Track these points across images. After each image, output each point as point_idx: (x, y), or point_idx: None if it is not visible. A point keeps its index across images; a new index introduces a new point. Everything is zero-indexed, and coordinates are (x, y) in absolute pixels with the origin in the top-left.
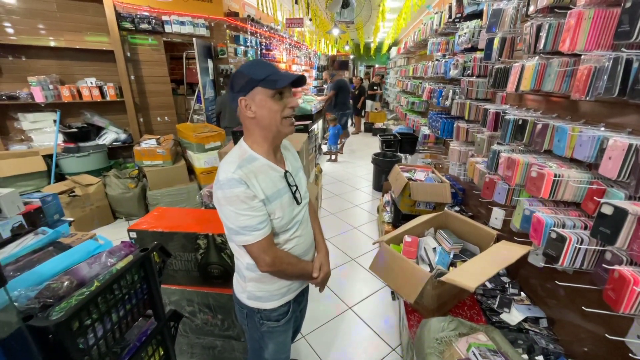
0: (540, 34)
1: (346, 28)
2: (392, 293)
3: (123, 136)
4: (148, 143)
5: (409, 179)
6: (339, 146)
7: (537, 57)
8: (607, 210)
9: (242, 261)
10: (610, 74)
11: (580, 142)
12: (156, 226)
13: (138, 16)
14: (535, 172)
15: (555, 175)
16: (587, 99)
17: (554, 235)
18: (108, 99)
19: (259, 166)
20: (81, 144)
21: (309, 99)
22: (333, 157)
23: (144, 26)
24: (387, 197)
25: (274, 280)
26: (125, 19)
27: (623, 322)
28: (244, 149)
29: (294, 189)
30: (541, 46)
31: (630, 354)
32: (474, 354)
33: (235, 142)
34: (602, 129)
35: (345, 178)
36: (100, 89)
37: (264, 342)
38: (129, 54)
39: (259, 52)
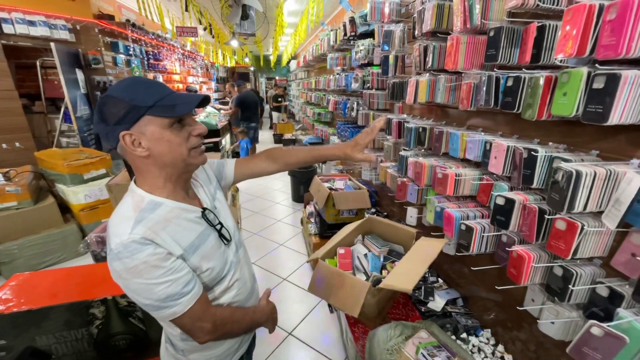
0: (427, 53)
1: (245, 40)
2: (329, 305)
3: None
4: None
5: (331, 189)
6: None
7: (427, 74)
8: (500, 201)
9: (173, 332)
10: (487, 89)
11: (470, 145)
12: (17, 304)
13: None
14: (440, 173)
15: (456, 175)
16: (471, 109)
17: (463, 227)
18: None
19: (165, 213)
20: None
21: (213, 112)
22: None
23: None
24: (310, 208)
25: (221, 342)
26: None
27: (519, 290)
28: (140, 196)
29: (218, 227)
30: (429, 64)
31: (527, 315)
32: (423, 355)
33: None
34: (482, 133)
35: (263, 193)
36: None
37: None
38: None
39: (145, 62)
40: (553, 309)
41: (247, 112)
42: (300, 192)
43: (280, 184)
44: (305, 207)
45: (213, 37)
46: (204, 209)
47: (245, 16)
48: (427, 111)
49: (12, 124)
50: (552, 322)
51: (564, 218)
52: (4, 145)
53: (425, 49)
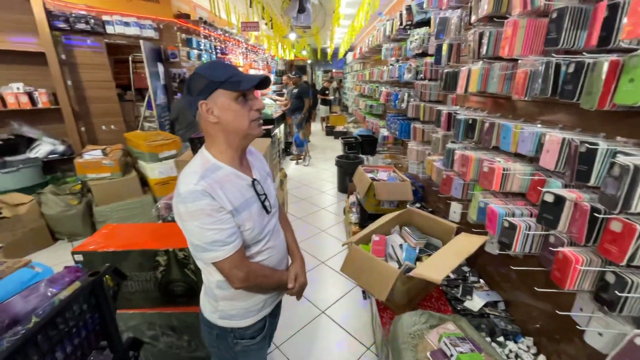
0: (483, 40)
1: (303, 33)
2: (363, 292)
3: (61, 148)
4: (92, 154)
5: (373, 179)
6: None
7: (480, 62)
8: (549, 198)
9: (212, 279)
10: (544, 77)
11: (523, 138)
12: (106, 245)
13: (73, 15)
14: (487, 167)
15: (504, 169)
16: (526, 99)
17: (506, 224)
18: (40, 106)
19: (224, 175)
20: (8, 158)
21: (269, 103)
22: (301, 160)
23: (81, 26)
24: (352, 198)
25: (249, 296)
26: (57, 18)
27: (567, 298)
28: (206, 158)
29: (262, 197)
30: (484, 52)
31: (576, 326)
32: (445, 344)
33: (193, 150)
34: (539, 125)
35: (310, 181)
36: (30, 95)
37: None
38: (63, 57)
39: (213, 56)
40: (602, 319)
41: (300, 103)
42: (346, 182)
43: (328, 174)
44: (348, 197)
45: (274, 30)
46: (254, 179)
47: (302, 9)
48: (480, 102)
49: (110, 110)
50: (600, 334)
51: (619, 219)
52: (103, 127)
53: (481, 35)
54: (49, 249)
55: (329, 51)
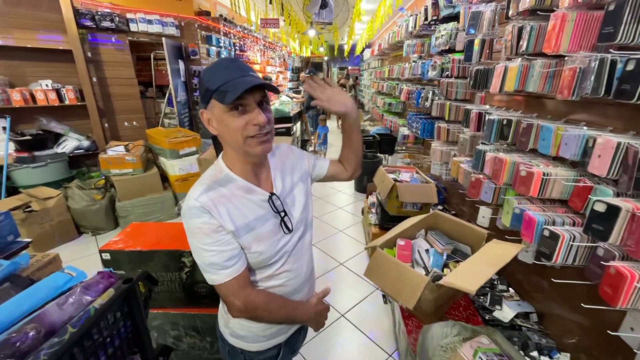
0: (522, 35)
1: (321, 29)
2: (384, 296)
3: (86, 143)
4: (115, 150)
5: (395, 180)
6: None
7: (519, 59)
8: (600, 207)
9: None
10: (597, 75)
11: (566, 140)
12: (133, 245)
13: (99, 13)
14: (524, 171)
15: (544, 174)
16: (573, 98)
17: (547, 233)
18: (67, 102)
19: (233, 190)
20: (37, 153)
21: (287, 101)
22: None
23: (107, 24)
24: (372, 198)
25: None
26: (84, 16)
27: (613, 314)
28: (220, 168)
29: (282, 214)
30: (523, 48)
31: (624, 349)
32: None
33: (216, 149)
34: (585, 127)
35: None
36: (58, 92)
37: None
38: (89, 54)
39: (232, 54)
40: None
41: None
42: (364, 182)
43: None
44: (367, 197)
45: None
46: (272, 194)
47: (324, 5)
48: (513, 102)
49: (132, 106)
50: None
51: None
52: (125, 123)
53: (520, 30)
54: (74, 242)
55: (346, 48)
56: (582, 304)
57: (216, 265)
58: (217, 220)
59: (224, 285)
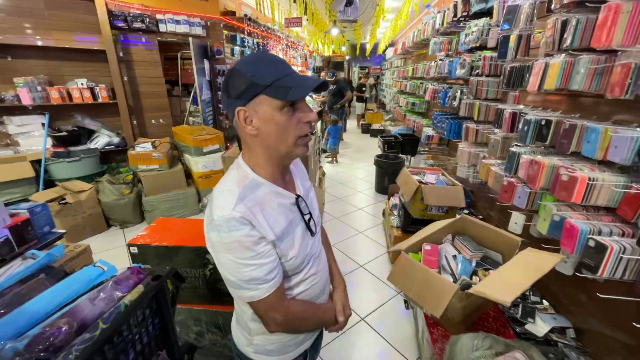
0: (567, 29)
1: (344, 28)
2: (406, 302)
3: (116, 140)
4: (143, 147)
5: (420, 182)
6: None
7: (563, 55)
8: None
9: (246, 310)
10: None
11: (616, 143)
12: (159, 240)
13: (131, 14)
14: (566, 175)
15: (589, 179)
16: (626, 97)
17: (592, 244)
18: (100, 100)
19: (264, 195)
20: (72, 148)
21: (308, 100)
22: (332, 158)
23: (138, 25)
24: (394, 200)
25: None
26: (117, 17)
27: None
28: (245, 172)
29: (307, 217)
30: (567, 43)
31: None
32: None
33: (240, 145)
34: (638, 129)
35: (346, 180)
36: (92, 90)
37: None
38: (121, 54)
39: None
40: None
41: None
42: (385, 183)
43: (364, 173)
44: (389, 199)
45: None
46: (298, 196)
47: (349, 2)
48: (552, 101)
49: (159, 105)
50: None
51: None
52: (152, 121)
53: (564, 23)
54: (103, 234)
55: (368, 47)
56: (634, 323)
57: (257, 280)
58: (258, 232)
59: (264, 300)
